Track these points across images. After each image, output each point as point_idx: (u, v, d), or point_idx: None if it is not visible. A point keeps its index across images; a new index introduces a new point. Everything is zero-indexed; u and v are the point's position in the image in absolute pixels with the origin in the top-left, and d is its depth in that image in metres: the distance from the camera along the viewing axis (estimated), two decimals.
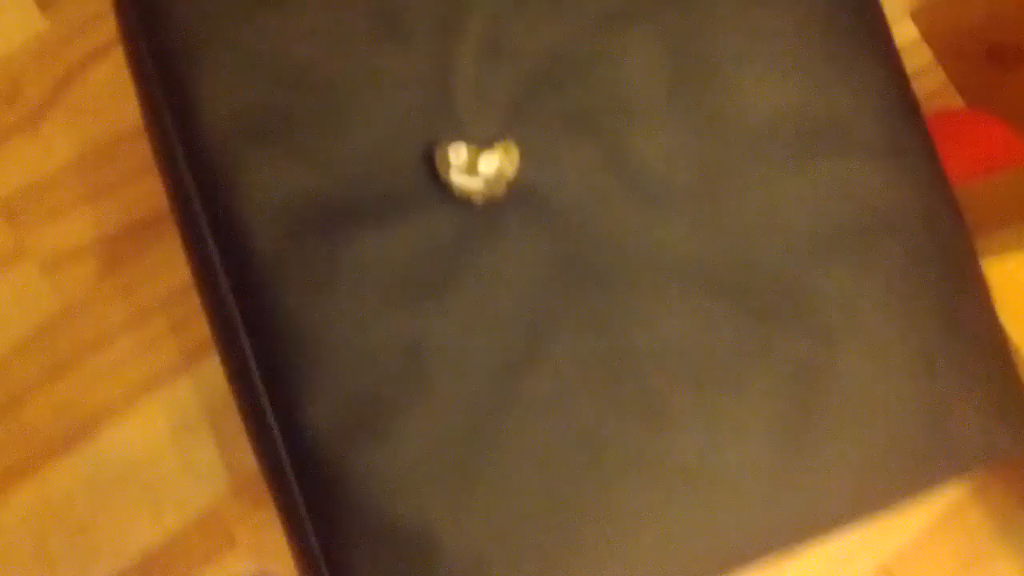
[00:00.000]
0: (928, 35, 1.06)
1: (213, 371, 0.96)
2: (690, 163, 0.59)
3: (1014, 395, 0.62)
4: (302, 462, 0.54)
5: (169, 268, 0.95)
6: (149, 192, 0.96)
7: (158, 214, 0.96)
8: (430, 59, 0.55)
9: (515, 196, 0.56)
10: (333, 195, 0.54)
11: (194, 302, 0.96)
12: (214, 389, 0.95)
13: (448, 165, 0.54)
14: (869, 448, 0.59)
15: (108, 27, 0.98)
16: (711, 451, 0.57)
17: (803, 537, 0.59)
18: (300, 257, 0.53)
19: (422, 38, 0.55)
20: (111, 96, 0.96)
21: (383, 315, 0.54)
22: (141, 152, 0.97)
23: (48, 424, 0.91)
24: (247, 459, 0.96)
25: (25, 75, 0.94)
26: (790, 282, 0.59)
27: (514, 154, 0.55)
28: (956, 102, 1.08)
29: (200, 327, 0.96)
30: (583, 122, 0.57)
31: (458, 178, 0.54)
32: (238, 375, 0.55)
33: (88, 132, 0.94)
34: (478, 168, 0.54)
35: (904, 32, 1.08)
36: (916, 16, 1.06)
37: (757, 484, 0.57)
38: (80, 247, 0.93)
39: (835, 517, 0.60)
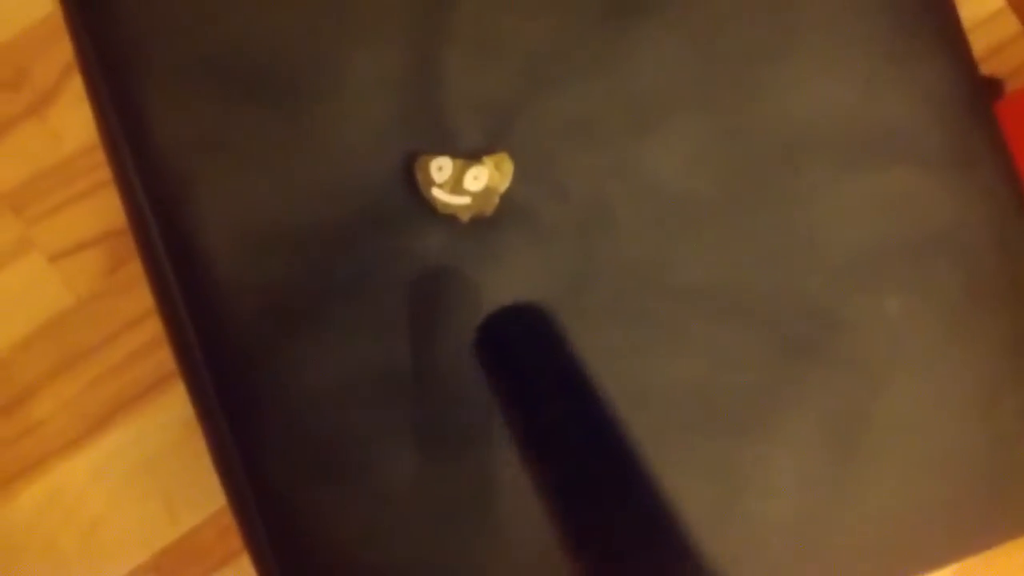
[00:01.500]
0: (1015, 2, 0.94)
1: None
2: (712, 175, 0.51)
3: None
4: (265, 503, 0.49)
5: None
6: None
7: None
8: (409, 59, 0.48)
9: (508, 212, 0.49)
10: (301, 214, 0.48)
11: None
12: None
13: (430, 181, 0.47)
14: (916, 507, 0.51)
15: None
16: (729, 506, 0.50)
17: None
18: (262, 283, 0.48)
19: (399, 35, 0.48)
20: None
21: (353, 353, 0.48)
22: None
23: (58, 419, 0.89)
24: None
25: (31, 61, 0.90)
26: (828, 311, 0.51)
27: (507, 167, 0.48)
28: None
29: None
30: (587, 129, 0.50)
31: (441, 196, 0.47)
32: (201, 408, 0.50)
33: None
34: (464, 185, 0.47)
35: (986, 1, 0.96)
36: None
37: (784, 545, 0.50)
38: (90, 240, 0.89)
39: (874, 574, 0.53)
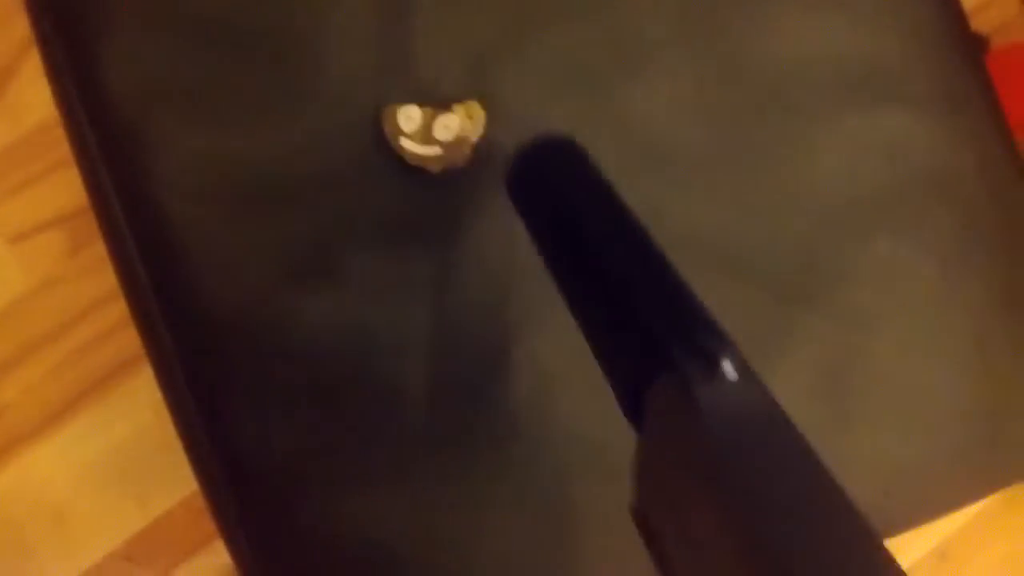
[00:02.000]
0: None
1: None
2: (700, 118, 0.49)
3: None
4: (237, 487, 0.47)
5: None
6: None
7: None
8: (379, 4, 0.46)
9: (482, 163, 0.47)
10: (267, 169, 0.46)
11: None
12: None
13: (398, 131, 0.45)
14: (909, 452, 0.50)
15: None
16: None
17: None
18: (227, 242, 0.46)
19: None
20: None
21: (324, 318, 0.46)
22: None
23: (22, 406, 0.86)
24: None
25: None
26: (819, 257, 0.49)
27: (479, 116, 0.46)
28: None
29: None
30: (567, 72, 0.48)
31: (410, 146, 0.45)
32: (169, 391, 0.48)
33: None
34: (434, 134, 0.45)
35: None
36: None
37: None
38: (49, 221, 0.86)
39: (876, 524, 0.51)
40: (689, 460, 0.26)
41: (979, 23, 0.94)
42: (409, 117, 0.45)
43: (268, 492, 0.48)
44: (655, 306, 0.30)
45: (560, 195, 0.36)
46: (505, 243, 0.47)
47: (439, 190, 0.47)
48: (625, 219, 0.34)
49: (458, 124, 0.45)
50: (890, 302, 0.49)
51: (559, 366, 0.47)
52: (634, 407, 0.29)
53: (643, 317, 0.29)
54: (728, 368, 0.27)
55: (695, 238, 0.49)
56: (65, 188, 0.86)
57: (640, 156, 0.49)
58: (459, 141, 0.46)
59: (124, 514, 0.87)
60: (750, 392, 0.27)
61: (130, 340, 0.86)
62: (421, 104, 0.45)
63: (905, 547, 0.98)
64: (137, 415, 0.87)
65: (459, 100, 0.46)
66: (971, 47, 0.51)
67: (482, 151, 0.47)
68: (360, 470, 0.47)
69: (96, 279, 0.86)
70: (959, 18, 0.52)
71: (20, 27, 0.88)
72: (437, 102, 0.46)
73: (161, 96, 0.46)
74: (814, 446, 0.49)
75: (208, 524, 0.87)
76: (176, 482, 0.86)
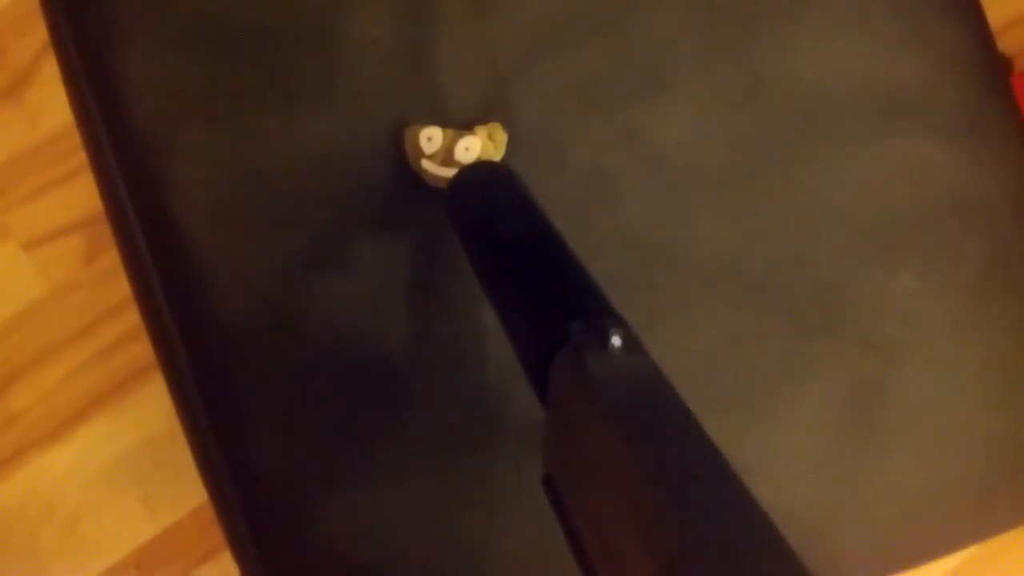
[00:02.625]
0: None
1: None
2: (723, 142, 0.48)
3: None
4: (248, 499, 0.47)
5: None
6: None
7: None
8: (401, 20, 0.46)
9: None
10: (281, 183, 0.45)
11: None
12: None
13: (419, 153, 0.45)
14: (932, 482, 0.49)
15: None
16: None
17: None
18: (240, 255, 0.45)
19: None
20: None
21: (339, 331, 0.46)
22: None
23: (35, 412, 0.86)
24: None
25: (6, 42, 0.87)
26: (844, 287, 0.49)
27: (501, 138, 0.46)
28: None
29: None
30: (589, 93, 0.47)
31: (431, 167, 0.45)
32: (181, 399, 0.47)
33: None
34: (455, 156, 0.45)
35: None
36: None
37: (796, 532, 0.48)
38: (66, 227, 0.86)
39: (888, 557, 0.50)
40: (583, 423, 0.28)
41: (1004, 44, 0.93)
42: (430, 138, 0.45)
43: (277, 502, 0.47)
44: (556, 292, 0.34)
45: (481, 206, 0.40)
46: None
47: None
48: (534, 221, 0.38)
49: (479, 146, 0.45)
50: (914, 332, 0.49)
51: None
52: (541, 384, 0.32)
53: (546, 303, 0.33)
54: (616, 341, 0.30)
55: (717, 261, 0.48)
56: (82, 194, 0.86)
57: (662, 177, 0.48)
58: None
59: (134, 522, 0.86)
60: (635, 361, 0.30)
61: (143, 348, 0.86)
62: (443, 125, 0.45)
63: (920, 569, 0.96)
64: (149, 424, 0.86)
65: (481, 122, 0.46)
66: (998, 72, 0.50)
67: None
68: (368, 477, 0.47)
69: (111, 286, 0.86)
70: (987, 43, 0.51)
71: (38, 33, 0.88)
72: (459, 123, 0.45)
73: (178, 105, 0.46)
74: (831, 474, 0.49)
75: (217, 534, 0.87)
76: (186, 491, 0.86)
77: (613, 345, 0.30)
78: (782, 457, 0.49)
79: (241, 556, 0.49)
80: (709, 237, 0.48)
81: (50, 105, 0.87)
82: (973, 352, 0.49)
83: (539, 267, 0.36)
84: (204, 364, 0.47)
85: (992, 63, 0.50)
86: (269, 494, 0.47)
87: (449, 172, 0.45)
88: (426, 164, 0.45)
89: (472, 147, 0.45)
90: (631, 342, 0.30)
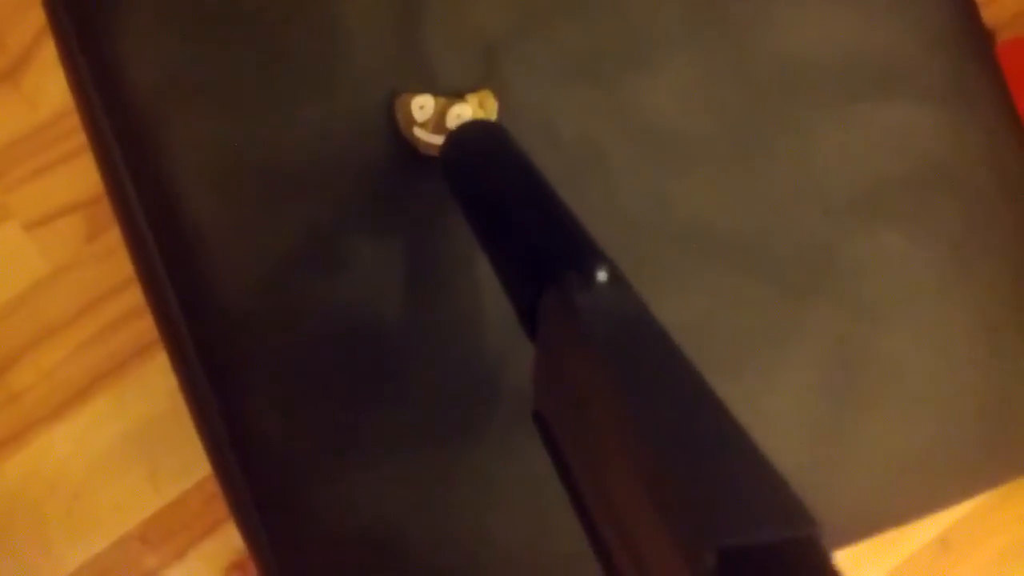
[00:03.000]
0: None
1: None
2: (709, 110, 0.49)
3: None
4: (252, 472, 0.48)
5: None
6: None
7: None
8: None
9: None
10: (278, 157, 0.47)
11: None
12: None
13: (411, 120, 0.46)
14: (917, 442, 0.50)
15: None
16: None
17: (838, 540, 0.52)
18: (241, 231, 0.46)
19: None
20: None
21: (337, 305, 0.47)
22: None
23: (39, 389, 0.87)
24: None
25: (4, 26, 0.88)
26: (827, 250, 0.50)
27: (492, 105, 0.47)
28: None
29: None
30: (578, 63, 0.48)
31: (423, 135, 0.46)
32: (184, 375, 0.49)
33: None
34: (447, 123, 0.46)
35: None
36: None
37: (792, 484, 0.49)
38: (67, 207, 0.88)
39: (875, 517, 0.52)
40: (571, 354, 0.30)
41: (988, 16, 0.94)
42: (422, 106, 0.46)
43: (279, 470, 0.48)
44: (544, 235, 0.35)
45: (474, 162, 0.42)
46: None
47: None
48: (525, 174, 0.39)
49: (471, 114, 0.46)
50: (899, 294, 0.50)
51: None
52: (531, 323, 0.33)
53: (535, 245, 0.35)
54: (601, 276, 0.31)
55: (704, 229, 0.50)
56: (82, 175, 0.87)
57: (649, 146, 0.49)
58: None
59: (138, 496, 0.88)
60: (620, 295, 0.31)
61: (146, 326, 0.88)
62: (434, 94, 0.46)
63: (907, 536, 0.98)
64: (152, 400, 0.88)
65: (472, 90, 0.47)
66: (982, 41, 0.52)
67: None
68: (367, 448, 0.48)
69: (113, 265, 0.87)
70: (971, 12, 0.52)
71: (35, 16, 0.89)
72: (450, 92, 0.47)
73: (175, 83, 0.47)
74: (822, 438, 0.50)
75: (221, 508, 0.89)
76: (190, 466, 0.88)
77: (599, 280, 0.31)
78: (768, 420, 0.50)
79: (244, 524, 0.50)
80: (695, 206, 0.49)
81: (48, 87, 0.88)
82: (956, 312, 0.50)
83: (531, 216, 0.37)
84: (204, 338, 0.48)
85: (977, 31, 0.51)
86: (271, 463, 0.48)
87: (441, 140, 0.46)
88: (418, 132, 0.46)
89: (463, 114, 0.46)
90: (617, 278, 0.31)
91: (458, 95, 0.47)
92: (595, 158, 0.49)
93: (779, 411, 0.50)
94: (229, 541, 0.89)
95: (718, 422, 0.25)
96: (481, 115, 0.46)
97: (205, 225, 0.47)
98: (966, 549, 1.00)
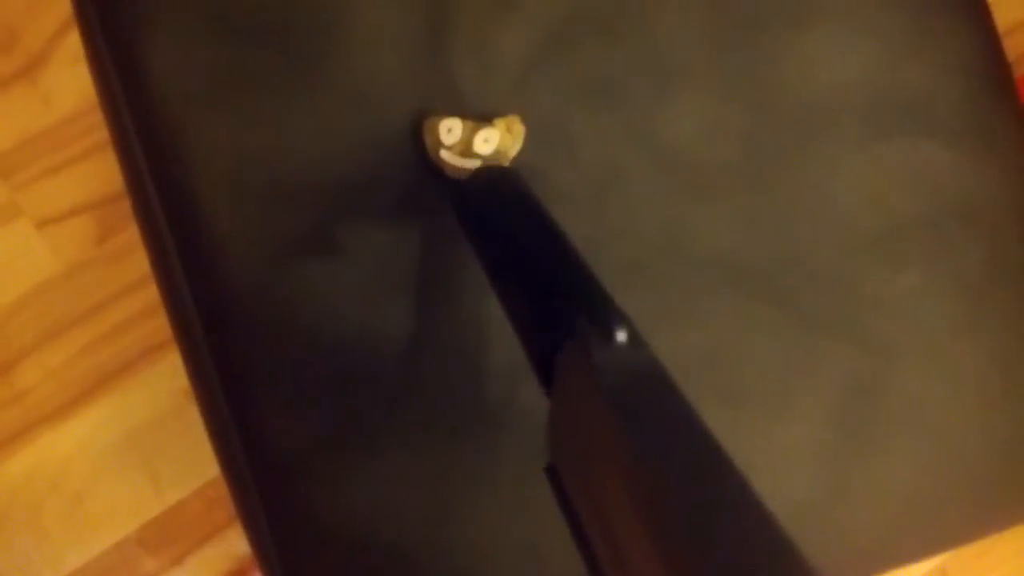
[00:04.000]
0: None
1: None
2: (732, 140, 0.50)
3: None
4: (262, 475, 0.48)
5: None
6: None
7: None
8: (421, 11, 0.47)
9: None
10: (301, 170, 0.47)
11: None
12: None
13: (439, 144, 0.46)
14: (926, 481, 0.50)
15: None
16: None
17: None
18: (259, 240, 0.46)
19: None
20: None
21: (359, 316, 0.47)
22: None
23: (44, 389, 0.87)
24: None
25: (23, 23, 0.88)
26: (846, 285, 0.50)
27: (519, 130, 0.47)
28: None
29: None
30: (603, 90, 0.49)
31: (450, 158, 0.46)
32: (196, 374, 0.49)
33: (88, 83, 0.87)
34: (474, 147, 0.46)
35: None
36: None
37: (795, 525, 0.49)
38: (79, 207, 0.87)
39: (880, 554, 0.52)
40: (587, 412, 0.30)
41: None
42: (450, 129, 0.46)
43: (290, 475, 0.48)
44: (564, 289, 0.36)
45: (490, 208, 0.43)
46: None
47: None
48: (542, 222, 0.40)
49: (498, 138, 0.46)
50: (914, 331, 0.50)
51: None
52: (546, 375, 0.34)
53: (554, 299, 0.35)
54: (621, 335, 0.31)
55: (723, 258, 0.50)
56: (95, 175, 0.87)
57: (671, 175, 0.49)
58: (498, 155, 0.46)
59: (140, 500, 0.88)
60: (638, 354, 0.31)
61: (153, 328, 0.88)
62: (462, 117, 0.46)
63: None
64: (156, 403, 0.88)
65: (499, 114, 0.47)
66: (1005, 78, 0.52)
67: (518, 166, 0.47)
68: (379, 454, 0.48)
69: (122, 267, 0.87)
70: (995, 47, 0.52)
71: (54, 14, 0.89)
72: (477, 116, 0.47)
73: (202, 88, 0.47)
74: (835, 472, 0.50)
75: (221, 514, 0.89)
76: (191, 471, 0.87)
77: (618, 340, 0.31)
78: (780, 451, 0.50)
79: (251, 529, 0.50)
80: (714, 233, 0.49)
81: (64, 87, 0.88)
82: (972, 352, 0.50)
83: (547, 265, 0.37)
84: (219, 339, 0.48)
85: (1000, 67, 0.51)
86: (281, 466, 0.48)
87: (468, 163, 0.46)
88: (445, 155, 0.46)
89: (491, 139, 0.46)
90: (636, 338, 0.31)
91: (485, 119, 0.47)
92: (617, 183, 0.49)
93: (788, 441, 0.50)
94: (228, 548, 0.88)
95: (730, 487, 0.26)
96: (509, 140, 0.46)
97: (224, 227, 0.47)
98: None
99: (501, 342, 0.48)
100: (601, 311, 0.33)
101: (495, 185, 0.43)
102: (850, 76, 0.50)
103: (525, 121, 0.47)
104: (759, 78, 0.49)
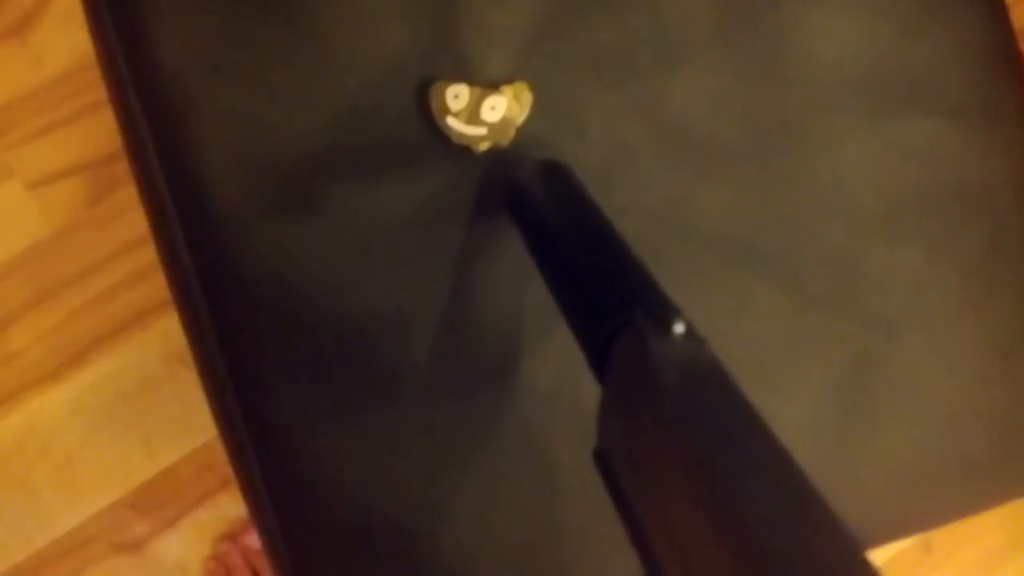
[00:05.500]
0: None
1: None
2: (739, 116, 0.49)
3: None
4: (261, 438, 0.48)
5: None
6: None
7: None
8: None
9: (524, 146, 0.47)
10: (309, 140, 0.46)
11: None
12: None
13: (445, 109, 0.46)
14: (923, 457, 0.51)
15: None
16: None
17: None
18: (266, 212, 0.46)
19: None
20: None
21: (362, 284, 0.47)
22: None
23: (34, 351, 0.87)
24: None
25: None
26: (850, 263, 0.50)
27: (526, 98, 0.47)
28: None
29: None
30: (611, 62, 0.48)
31: (456, 125, 0.46)
32: (197, 344, 0.48)
33: (81, 43, 0.86)
34: (480, 114, 0.46)
35: None
36: None
37: None
38: (70, 168, 0.86)
39: (884, 528, 0.53)
40: (643, 399, 0.30)
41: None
42: (457, 96, 0.46)
43: (288, 441, 0.48)
44: (619, 281, 0.37)
45: (542, 201, 0.43)
46: None
47: (482, 170, 0.47)
48: (594, 216, 0.40)
49: (505, 106, 0.46)
50: (914, 310, 0.50)
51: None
52: (599, 362, 0.34)
53: (610, 290, 0.36)
54: (678, 327, 0.32)
55: (726, 234, 0.50)
56: (87, 137, 0.86)
57: (676, 148, 0.49)
58: (505, 123, 0.46)
59: (132, 463, 0.88)
60: (694, 346, 0.32)
61: (145, 292, 0.87)
62: (469, 83, 0.46)
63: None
64: (148, 367, 0.87)
65: (507, 81, 0.47)
66: (1014, 59, 0.52)
67: (524, 135, 0.47)
68: (372, 431, 0.48)
69: (114, 229, 0.86)
70: (1004, 27, 0.52)
71: None
72: (485, 83, 0.46)
73: (207, 55, 0.46)
74: (829, 446, 0.50)
75: (214, 478, 0.89)
76: (184, 435, 0.87)
77: (675, 332, 0.32)
78: (780, 426, 0.50)
79: (248, 490, 0.50)
80: (720, 208, 0.49)
81: (55, 46, 0.86)
82: (971, 329, 0.51)
83: (602, 258, 0.38)
84: (218, 300, 0.48)
85: (1008, 45, 0.51)
86: (279, 429, 0.48)
87: (474, 130, 0.46)
88: (452, 121, 0.46)
89: (498, 106, 0.46)
90: (692, 332, 0.32)
91: (493, 86, 0.46)
92: (624, 156, 0.49)
93: (789, 416, 0.50)
94: (220, 512, 0.89)
95: (790, 478, 0.26)
96: (516, 107, 0.46)
97: (226, 191, 0.46)
98: (949, 551, 1.01)
99: (504, 310, 0.48)
100: (658, 303, 0.34)
101: (549, 177, 0.44)
102: (855, 53, 0.49)
103: (532, 90, 0.47)
104: (768, 54, 0.49)
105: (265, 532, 0.49)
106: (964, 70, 0.50)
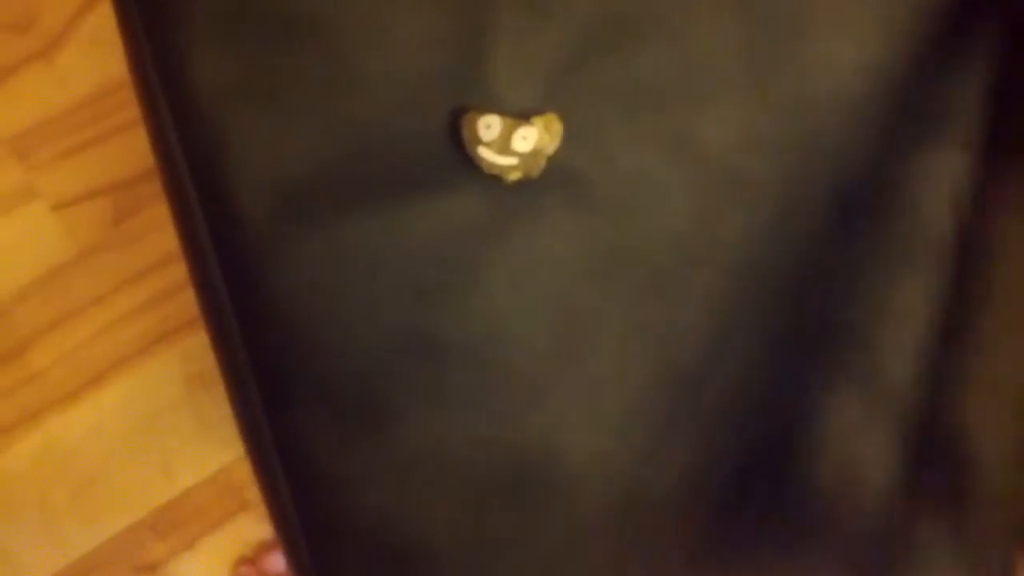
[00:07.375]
0: None
1: None
2: (768, 152, 0.49)
3: None
4: (292, 463, 0.48)
5: None
6: None
7: None
8: (460, 11, 0.47)
9: (553, 176, 0.48)
10: (339, 166, 0.47)
11: None
12: None
13: (477, 139, 0.46)
14: None
15: None
16: None
17: None
18: (297, 238, 0.46)
19: None
20: None
21: (392, 310, 0.47)
22: None
23: (56, 371, 0.87)
24: None
25: (40, 2, 0.87)
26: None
27: (556, 130, 0.47)
28: None
29: None
30: (640, 96, 0.48)
31: (488, 155, 0.46)
32: (226, 363, 0.49)
33: (107, 65, 0.87)
34: (512, 145, 0.46)
35: None
36: None
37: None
38: (95, 190, 0.87)
39: None
40: None
41: None
42: (489, 126, 0.46)
43: (321, 475, 0.48)
44: None
45: None
46: (580, 255, 0.48)
47: (512, 200, 0.47)
48: None
49: (536, 136, 0.46)
50: None
51: (608, 371, 0.48)
52: None
53: None
54: None
55: (757, 269, 0.49)
56: (112, 159, 0.87)
57: (705, 184, 0.49)
58: (536, 153, 0.46)
59: (151, 485, 0.88)
60: None
61: (165, 313, 0.88)
62: (500, 114, 0.46)
63: None
64: (169, 389, 0.88)
65: (537, 112, 0.47)
66: None
67: (553, 165, 0.47)
68: (415, 454, 0.48)
69: (139, 251, 0.87)
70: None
71: None
72: (515, 113, 0.47)
73: (240, 80, 0.46)
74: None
75: (233, 501, 0.89)
76: (205, 457, 0.88)
77: None
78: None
79: (279, 520, 0.50)
80: (752, 245, 0.49)
81: (81, 69, 0.87)
82: None
83: None
84: (249, 321, 0.48)
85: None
86: (310, 452, 0.48)
87: (506, 160, 0.46)
88: (483, 151, 0.46)
89: (529, 137, 0.46)
90: None
91: (523, 117, 0.47)
92: (650, 188, 0.49)
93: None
94: (240, 535, 0.89)
95: None
96: (547, 138, 0.46)
97: (258, 216, 0.47)
98: None
99: (535, 334, 0.48)
100: None
101: None
102: (889, 90, 0.49)
103: (562, 121, 0.47)
104: (797, 88, 0.49)
105: (293, 558, 0.49)
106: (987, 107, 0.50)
